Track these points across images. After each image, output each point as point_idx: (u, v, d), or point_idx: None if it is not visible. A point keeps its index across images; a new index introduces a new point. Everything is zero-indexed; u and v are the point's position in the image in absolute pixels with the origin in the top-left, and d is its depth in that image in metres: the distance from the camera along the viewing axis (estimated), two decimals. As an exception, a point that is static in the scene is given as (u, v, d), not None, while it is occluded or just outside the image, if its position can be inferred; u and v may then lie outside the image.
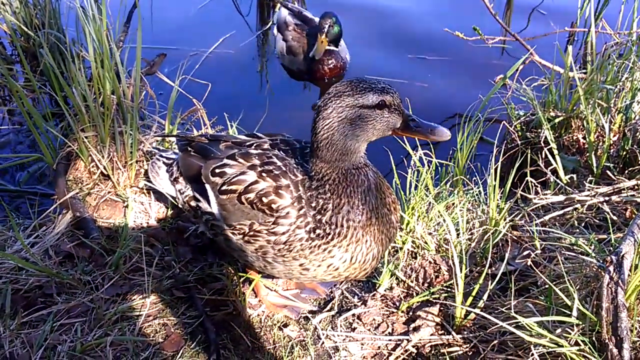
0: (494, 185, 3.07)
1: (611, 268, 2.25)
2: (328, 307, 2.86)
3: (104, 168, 3.48)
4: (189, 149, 2.74)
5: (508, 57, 5.74)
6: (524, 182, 3.45)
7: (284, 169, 2.36)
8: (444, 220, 3.02)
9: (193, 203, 2.69)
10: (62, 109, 3.37)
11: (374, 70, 5.46)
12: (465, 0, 6.54)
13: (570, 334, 2.26)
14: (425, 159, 3.35)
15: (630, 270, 2.31)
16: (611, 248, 2.68)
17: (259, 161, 2.43)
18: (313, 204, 2.25)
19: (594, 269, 2.46)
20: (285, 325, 2.78)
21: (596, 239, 2.75)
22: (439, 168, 3.62)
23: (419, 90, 5.25)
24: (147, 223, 3.34)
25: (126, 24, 5.00)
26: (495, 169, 3.14)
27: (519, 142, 4.05)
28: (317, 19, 5.41)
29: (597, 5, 5.63)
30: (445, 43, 5.60)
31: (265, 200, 2.31)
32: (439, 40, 5.66)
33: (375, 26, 6.33)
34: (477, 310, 2.53)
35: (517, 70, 4.14)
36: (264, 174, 2.36)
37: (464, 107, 4.19)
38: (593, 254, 2.55)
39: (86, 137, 3.46)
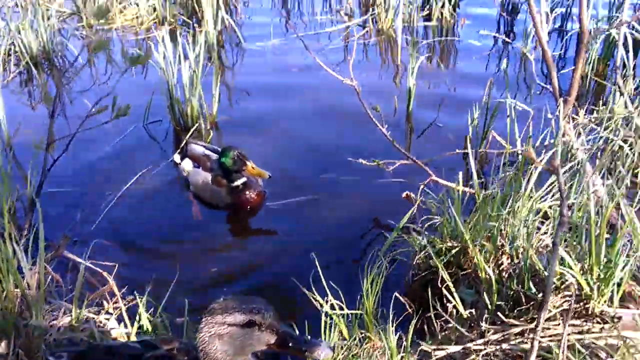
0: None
1: None
2: None
3: (10, 364, 3.41)
4: None
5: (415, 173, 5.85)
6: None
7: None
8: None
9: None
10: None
11: (287, 194, 5.66)
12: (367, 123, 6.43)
13: None
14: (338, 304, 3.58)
15: None
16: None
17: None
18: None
19: None
20: None
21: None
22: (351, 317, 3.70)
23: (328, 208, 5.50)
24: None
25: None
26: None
27: (424, 273, 4.23)
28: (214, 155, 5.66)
29: (485, 120, 6.02)
30: (355, 165, 5.71)
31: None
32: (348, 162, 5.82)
33: (285, 147, 6.53)
34: None
35: (418, 199, 4.40)
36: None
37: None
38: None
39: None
